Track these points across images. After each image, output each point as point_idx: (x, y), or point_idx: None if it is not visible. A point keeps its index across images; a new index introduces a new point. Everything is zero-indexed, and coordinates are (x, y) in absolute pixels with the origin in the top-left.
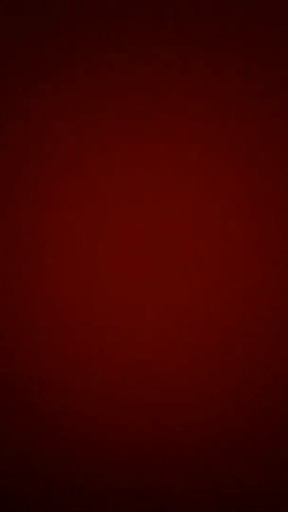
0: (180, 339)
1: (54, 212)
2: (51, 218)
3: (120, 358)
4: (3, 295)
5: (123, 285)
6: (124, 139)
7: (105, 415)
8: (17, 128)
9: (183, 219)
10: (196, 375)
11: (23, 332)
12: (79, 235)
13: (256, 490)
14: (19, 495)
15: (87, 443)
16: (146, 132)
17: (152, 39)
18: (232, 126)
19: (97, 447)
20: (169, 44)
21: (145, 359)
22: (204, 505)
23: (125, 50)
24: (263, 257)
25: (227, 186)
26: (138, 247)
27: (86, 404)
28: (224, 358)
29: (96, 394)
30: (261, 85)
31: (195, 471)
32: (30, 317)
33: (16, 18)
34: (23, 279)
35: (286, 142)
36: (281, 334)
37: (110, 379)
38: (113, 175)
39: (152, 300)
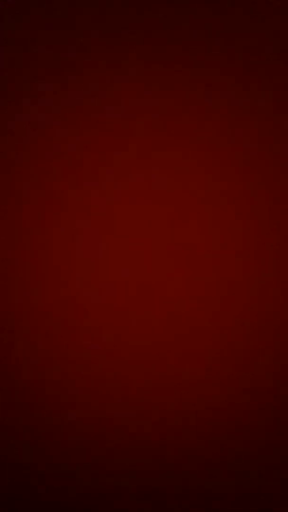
0: (180, 339)
1: (54, 214)
2: (52, 220)
3: (119, 359)
4: (3, 296)
5: (122, 285)
6: (125, 140)
7: (104, 414)
8: (17, 129)
9: (183, 220)
10: (196, 376)
11: (23, 332)
12: (79, 236)
13: (256, 490)
14: (19, 495)
15: (86, 443)
16: (147, 134)
17: (153, 39)
18: (233, 126)
19: (96, 447)
20: (170, 43)
21: (144, 359)
22: (204, 505)
23: (125, 50)
24: (263, 258)
25: (227, 187)
26: (138, 247)
27: (85, 403)
28: (224, 358)
29: (96, 394)
30: (261, 86)
31: (194, 471)
32: (30, 318)
33: (15, 18)
34: (24, 280)
35: (286, 143)
36: (282, 335)
37: (109, 380)
38: (113, 176)
39: (151, 301)
